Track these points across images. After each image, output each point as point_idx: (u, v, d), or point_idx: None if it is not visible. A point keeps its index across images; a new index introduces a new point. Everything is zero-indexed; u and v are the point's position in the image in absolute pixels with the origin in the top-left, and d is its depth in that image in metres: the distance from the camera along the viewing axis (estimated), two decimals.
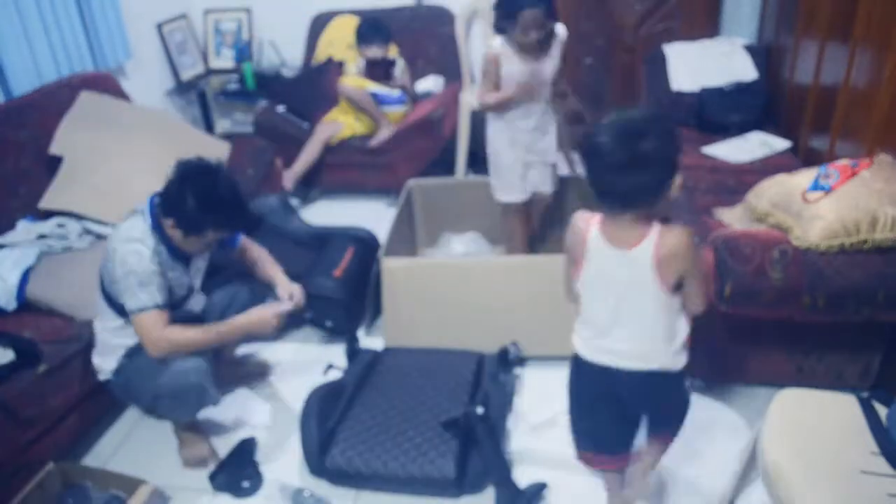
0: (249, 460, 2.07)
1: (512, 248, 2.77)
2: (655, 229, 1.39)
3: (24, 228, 2.42)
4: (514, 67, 2.35)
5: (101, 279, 1.96)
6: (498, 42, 2.35)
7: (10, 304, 2.18)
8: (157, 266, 1.88)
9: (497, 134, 2.51)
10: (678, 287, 1.42)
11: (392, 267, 2.41)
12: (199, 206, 1.85)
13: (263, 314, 2.06)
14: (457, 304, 2.39)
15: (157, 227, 1.91)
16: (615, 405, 1.56)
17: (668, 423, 1.64)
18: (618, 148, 1.30)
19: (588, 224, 1.44)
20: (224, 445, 2.14)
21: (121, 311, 1.93)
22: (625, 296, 1.43)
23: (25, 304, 2.20)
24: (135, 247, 1.85)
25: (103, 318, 2.00)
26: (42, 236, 2.38)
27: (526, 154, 2.52)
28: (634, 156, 1.29)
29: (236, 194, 1.93)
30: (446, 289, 2.39)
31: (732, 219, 2.27)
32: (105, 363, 2.03)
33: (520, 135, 2.47)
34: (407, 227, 2.95)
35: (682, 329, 1.51)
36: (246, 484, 1.99)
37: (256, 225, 1.94)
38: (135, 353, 1.99)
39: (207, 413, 2.16)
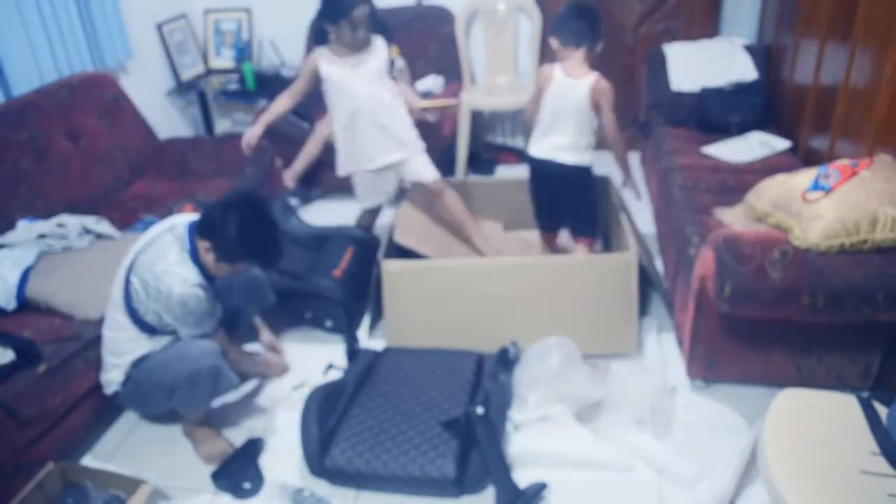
0: (253, 461, 2.07)
1: None
2: (594, 74, 2.37)
3: (24, 228, 2.42)
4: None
5: (127, 296, 1.96)
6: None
7: (10, 304, 2.18)
8: (209, 303, 1.98)
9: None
10: (596, 109, 2.39)
11: (392, 270, 2.41)
12: (240, 237, 1.90)
13: (278, 362, 2.43)
14: (457, 305, 2.39)
15: (194, 254, 1.96)
16: (552, 193, 2.54)
17: (582, 226, 2.58)
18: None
19: (553, 67, 2.41)
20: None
21: (144, 326, 1.98)
22: (565, 108, 2.39)
23: (25, 304, 2.20)
24: (195, 291, 1.91)
25: (119, 329, 2.00)
26: (42, 236, 2.39)
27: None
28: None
29: (275, 233, 1.99)
30: (446, 290, 2.39)
31: (732, 219, 2.27)
32: (113, 375, 2.03)
33: None
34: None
35: (590, 137, 2.47)
36: (247, 485, 1.99)
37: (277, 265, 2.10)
38: (142, 360, 2.01)
39: (213, 411, 2.16)
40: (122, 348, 2.01)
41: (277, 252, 2.01)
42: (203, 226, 1.95)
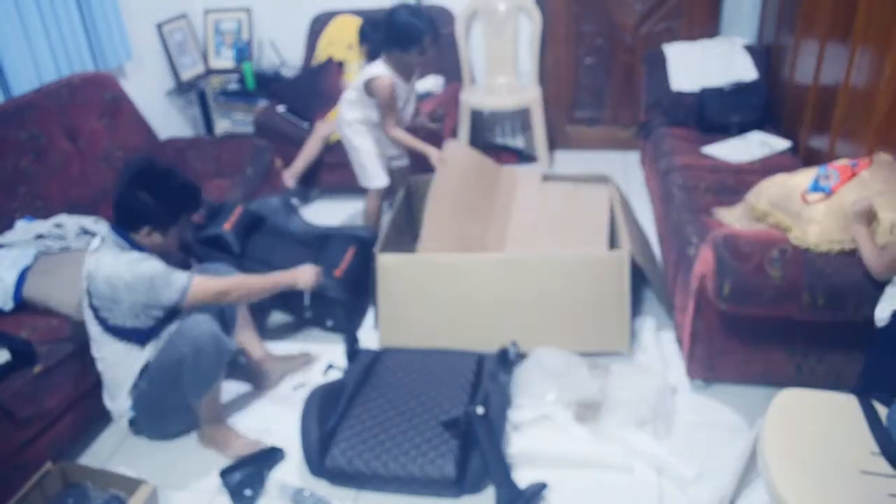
0: (262, 471, 2.04)
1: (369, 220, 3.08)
2: None
3: (22, 228, 2.42)
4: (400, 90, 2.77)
5: (101, 321, 1.95)
6: (383, 67, 2.69)
7: (7, 304, 2.18)
8: (160, 262, 1.95)
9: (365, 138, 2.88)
10: None
11: (387, 263, 2.41)
12: (161, 200, 1.93)
13: (305, 269, 2.26)
14: (453, 301, 2.39)
15: (132, 245, 1.96)
16: None
17: None
18: None
19: None
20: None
21: (129, 334, 1.97)
22: None
23: (22, 304, 2.20)
24: (141, 262, 1.90)
25: (113, 354, 1.99)
26: (40, 236, 2.38)
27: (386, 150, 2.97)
28: None
29: (178, 176, 2.01)
30: (443, 285, 2.39)
31: (732, 218, 2.27)
32: (120, 403, 2.03)
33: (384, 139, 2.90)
34: (406, 223, 2.96)
35: None
36: (248, 492, 1.97)
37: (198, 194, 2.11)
38: (142, 374, 2.00)
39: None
40: (122, 371, 2.00)
41: (196, 190, 2.04)
42: (125, 219, 1.95)
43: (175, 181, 1.99)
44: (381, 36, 2.69)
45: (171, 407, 2.07)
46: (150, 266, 1.91)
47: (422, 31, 2.59)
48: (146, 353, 2.00)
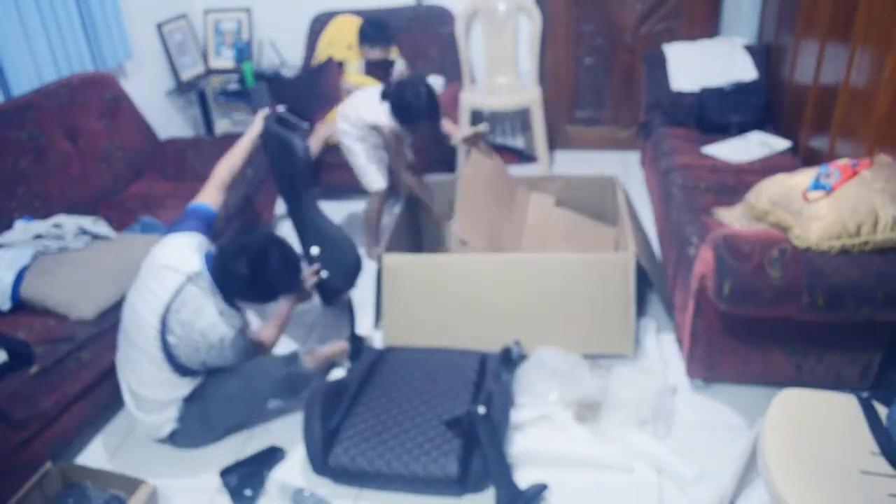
0: (261, 470, 2.04)
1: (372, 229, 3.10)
2: None
3: (21, 228, 2.42)
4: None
5: (169, 356, 1.94)
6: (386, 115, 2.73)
7: (5, 304, 2.18)
8: (239, 321, 2.02)
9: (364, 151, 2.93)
10: None
11: (392, 263, 2.41)
12: (272, 284, 2.03)
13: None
14: (458, 301, 2.39)
15: (228, 299, 1.99)
16: None
17: None
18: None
19: None
20: (245, 449, 2.14)
21: (187, 371, 2.00)
22: None
23: (20, 304, 2.20)
24: (241, 334, 2.00)
25: (159, 386, 2.00)
26: (38, 236, 2.38)
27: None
28: None
29: (292, 259, 2.08)
30: (446, 286, 2.39)
31: (732, 218, 2.27)
32: (158, 419, 2.05)
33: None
34: (409, 224, 2.96)
35: None
36: (248, 492, 1.97)
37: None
38: (206, 401, 2.05)
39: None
40: (164, 394, 2.01)
41: (297, 274, 2.15)
42: (228, 290, 1.98)
43: (284, 265, 2.03)
44: (391, 96, 2.71)
45: (225, 426, 2.15)
46: (243, 338, 2.01)
47: (418, 116, 2.66)
48: (193, 383, 2.04)
